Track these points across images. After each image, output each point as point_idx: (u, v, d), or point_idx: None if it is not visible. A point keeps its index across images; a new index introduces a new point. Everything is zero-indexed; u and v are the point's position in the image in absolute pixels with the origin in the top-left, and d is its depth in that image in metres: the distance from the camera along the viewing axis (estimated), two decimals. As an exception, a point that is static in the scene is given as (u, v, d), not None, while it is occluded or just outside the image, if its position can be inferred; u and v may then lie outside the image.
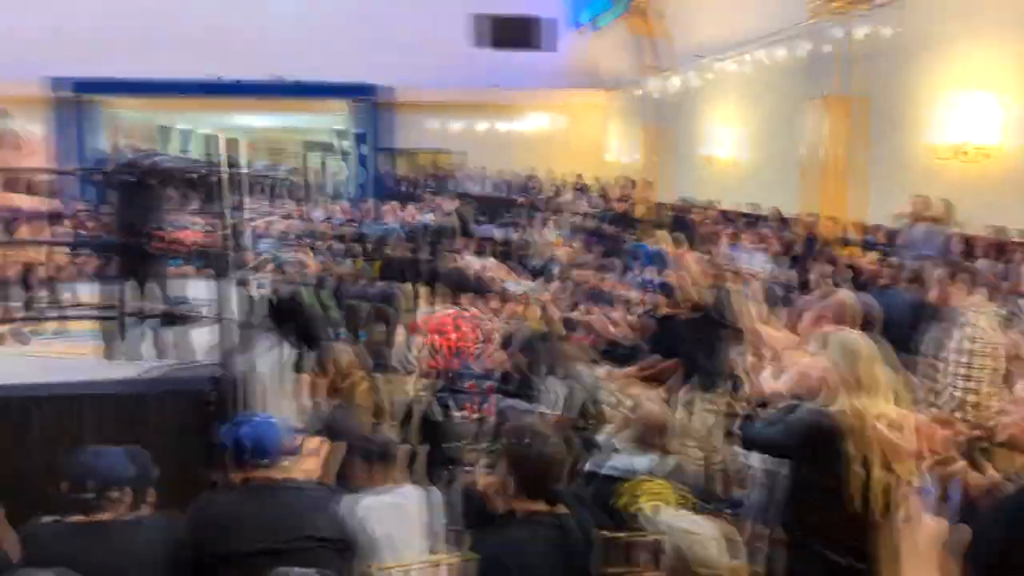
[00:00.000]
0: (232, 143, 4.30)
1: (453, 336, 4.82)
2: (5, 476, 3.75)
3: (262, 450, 2.81)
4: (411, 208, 12.26)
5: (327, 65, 17.34)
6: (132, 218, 4.56)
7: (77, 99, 17.03)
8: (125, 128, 20.38)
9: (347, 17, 17.60)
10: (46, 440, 4.01)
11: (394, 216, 12.47)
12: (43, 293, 5.95)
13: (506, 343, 5.18)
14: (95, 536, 2.58)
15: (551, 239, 9.92)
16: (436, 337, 4.77)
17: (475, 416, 4.81)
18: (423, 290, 5.50)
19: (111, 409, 4.10)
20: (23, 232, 5.82)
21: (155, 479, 2.86)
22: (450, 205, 11.24)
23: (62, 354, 4.85)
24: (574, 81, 18.77)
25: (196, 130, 23.18)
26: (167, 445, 4.14)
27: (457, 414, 4.73)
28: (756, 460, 3.46)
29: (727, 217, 11.33)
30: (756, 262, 8.23)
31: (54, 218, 6.61)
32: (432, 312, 4.91)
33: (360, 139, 18.25)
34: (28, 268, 5.92)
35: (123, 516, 2.66)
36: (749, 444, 3.28)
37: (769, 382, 3.55)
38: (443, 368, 4.78)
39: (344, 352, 4.08)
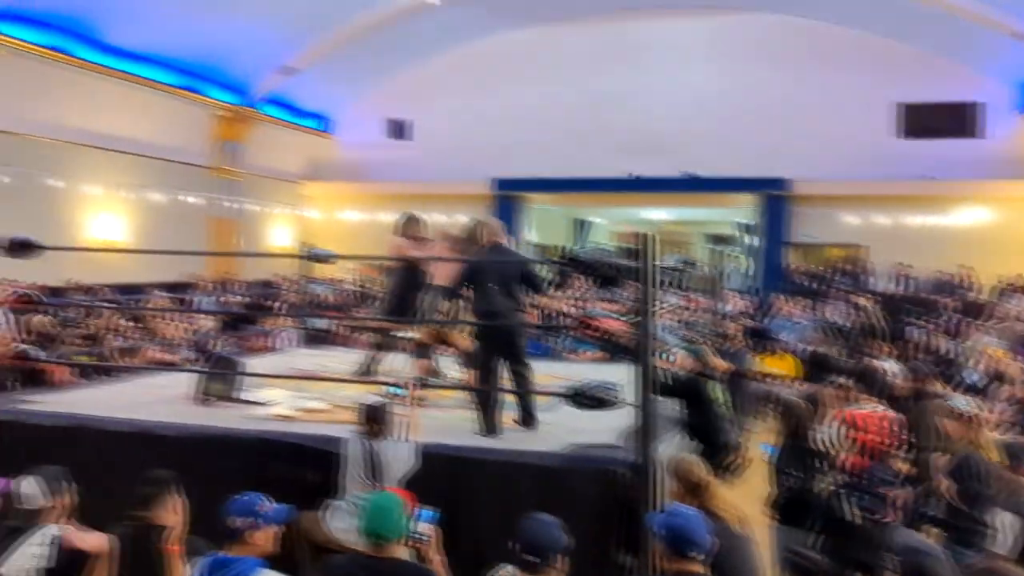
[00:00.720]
0: (645, 237, 4.49)
1: (876, 436, 4.46)
2: (448, 526, 4.26)
3: (695, 544, 2.84)
4: (820, 305, 11.66)
5: (736, 160, 17.60)
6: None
7: (509, 196, 19.35)
8: (546, 221, 22.66)
9: (757, 112, 17.76)
10: (482, 499, 4.50)
11: (799, 312, 12.01)
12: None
13: (945, 466, 4.63)
14: None
15: (990, 350, 8.67)
16: (859, 433, 4.44)
17: (884, 522, 4.34)
18: (841, 390, 5.20)
19: (535, 478, 4.46)
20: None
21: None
22: (863, 303, 10.47)
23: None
24: (1015, 171, 16.62)
25: (600, 223, 24.92)
26: (579, 520, 4.40)
27: (865, 515, 4.36)
28: None
29: None
30: None
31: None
32: (858, 408, 4.58)
33: (764, 232, 18.03)
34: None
35: None
36: None
37: None
38: (858, 466, 4.43)
39: (692, 464, 3.87)
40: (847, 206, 17.64)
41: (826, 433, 4.71)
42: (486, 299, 5.25)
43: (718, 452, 5.54)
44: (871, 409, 4.57)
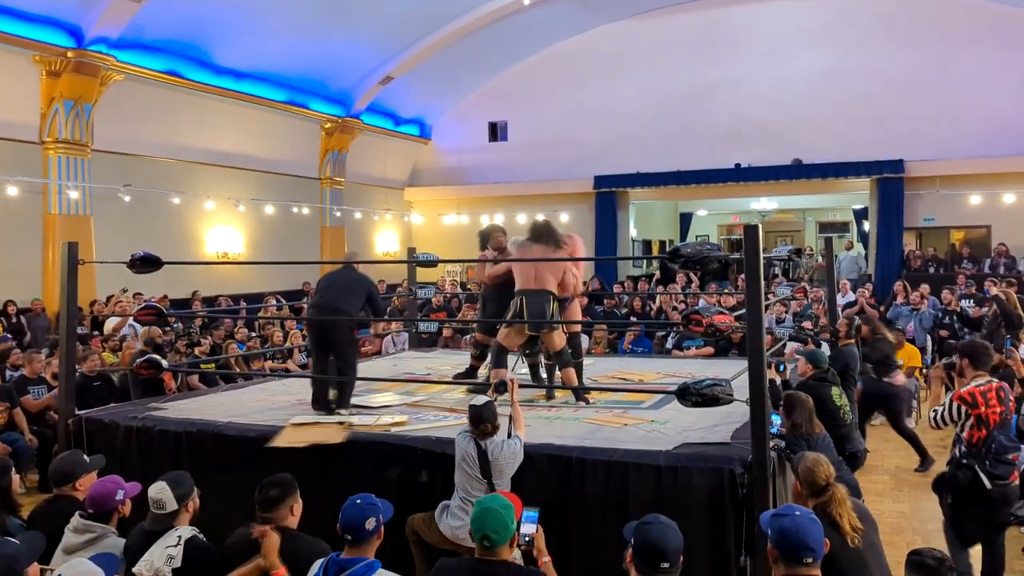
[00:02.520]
0: (751, 228, 4.33)
1: (998, 408, 4.75)
2: (558, 527, 4.22)
3: (807, 548, 2.69)
4: (946, 292, 10.99)
5: (847, 143, 16.86)
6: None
7: (609, 192, 19.16)
8: (648, 216, 22.34)
9: (868, 93, 16.92)
10: (592, 500, 4.43)
11: (920, 299, 11.38)
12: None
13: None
14: None
15: None
16: (983, 409, 4.70)
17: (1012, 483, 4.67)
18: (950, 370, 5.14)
19: (651, 477, 4.36)
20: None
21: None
22: (995, 290, 9.79)
23: (607, 422, 5.32)
24: None
25: (705, 215, 24.34)
26: (694, 521, 4.27)
27: (997, 481, 4.61)
28: None
29: None
30: None
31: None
32: (976, 385, 4.73)
33: (879, 216, 17.15)
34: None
35: None
36: None
37: None
38: (979, 437, 4.70)
39: (820, 463, 3.59)
40: (970, 185, 16.55)
41: (940, 413, 4.83)
42: None
43: (845, 462, 5.29)
44: (988, 383, 4.74)
